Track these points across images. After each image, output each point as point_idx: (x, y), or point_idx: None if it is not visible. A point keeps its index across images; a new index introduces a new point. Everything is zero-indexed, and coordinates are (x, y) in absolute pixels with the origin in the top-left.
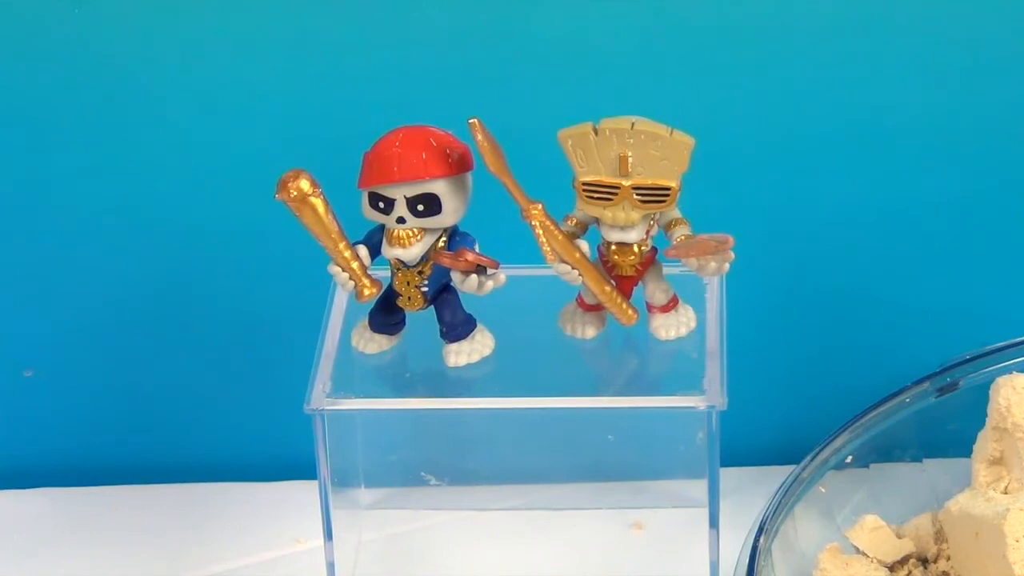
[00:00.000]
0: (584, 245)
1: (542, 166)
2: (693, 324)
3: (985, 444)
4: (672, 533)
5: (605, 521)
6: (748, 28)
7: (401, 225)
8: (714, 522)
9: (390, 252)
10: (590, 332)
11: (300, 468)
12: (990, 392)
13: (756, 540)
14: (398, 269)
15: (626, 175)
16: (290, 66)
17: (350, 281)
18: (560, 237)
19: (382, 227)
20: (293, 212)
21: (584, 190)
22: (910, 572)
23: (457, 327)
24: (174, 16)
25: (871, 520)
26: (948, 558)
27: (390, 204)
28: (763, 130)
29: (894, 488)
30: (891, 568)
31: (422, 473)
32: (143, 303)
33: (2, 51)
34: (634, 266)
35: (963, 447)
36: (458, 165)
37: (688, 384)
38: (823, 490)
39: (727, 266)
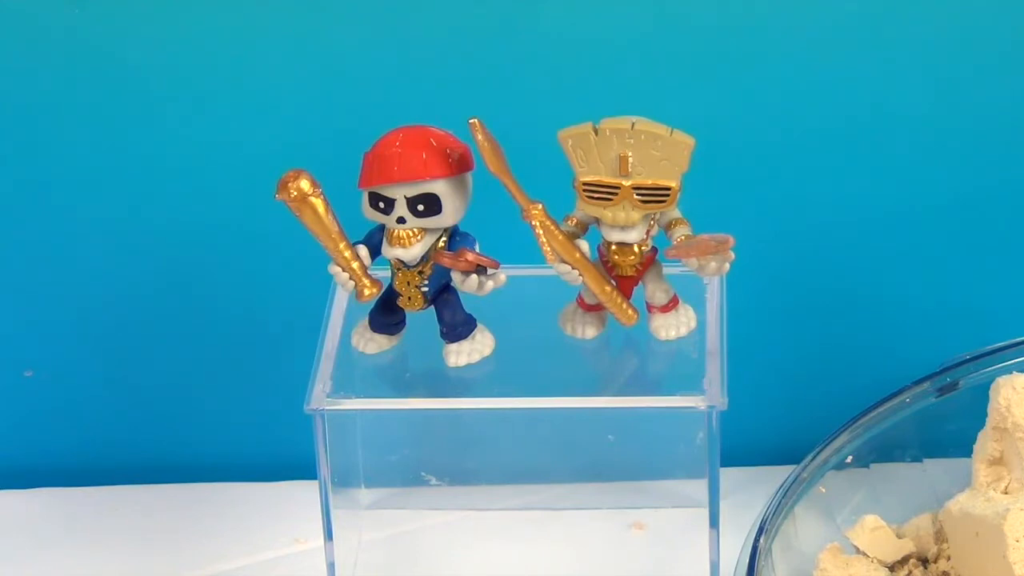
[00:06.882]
0: (584, 245)
1: (542, 166)
2: (693, 324)
3: (985, 444)
4: (672, 533)
5: (605, 521)
6: (748, 28)
7: (401, 225)
8: (714, 522)
9: (390, 252)
10: (590, 332)
11: (300, 468)
12: (990, 392)
13: (756, 540)
14: (398, 269)
15: (626, 175)
16: (290, 66)
17: (350, 281)
18: (560, 237)
19: (382, 227)
20: (293, 212)
21: (584, 190)
22: (910, 572)
23: (457, 327)
24: (174, 16)
25: (871, 520)
26: (948, 558)
27: (390, 204)
28: (763, 130)
29: (894, 488)
30: (891, 568)
31: (422, 473)
32: (143, 303)
33: (2, 51)
34: (634, 266)
35: (963, 447)
36: (458, 165)
37: (688, 384)
38: (823, 490)
39: (727, 266)
